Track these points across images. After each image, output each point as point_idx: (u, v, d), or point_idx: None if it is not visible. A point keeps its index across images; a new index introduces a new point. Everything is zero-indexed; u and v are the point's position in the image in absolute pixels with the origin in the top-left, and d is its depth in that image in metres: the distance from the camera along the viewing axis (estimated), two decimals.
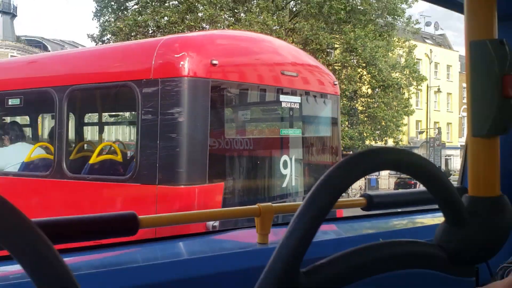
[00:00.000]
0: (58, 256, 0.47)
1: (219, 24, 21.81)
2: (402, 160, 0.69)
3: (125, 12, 24.10)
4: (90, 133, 6.63)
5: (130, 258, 1.31)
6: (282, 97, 4.92)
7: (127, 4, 24.40)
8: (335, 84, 5.61)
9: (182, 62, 3.92)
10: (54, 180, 4.35)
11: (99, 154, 4.53)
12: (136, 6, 24.04)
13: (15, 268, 1.21)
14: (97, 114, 6.33)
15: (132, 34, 23.00)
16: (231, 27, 21.62)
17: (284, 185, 4.80)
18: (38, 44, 40.84)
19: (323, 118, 5.65)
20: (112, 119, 6.67)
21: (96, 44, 24.23)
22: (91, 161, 4.38)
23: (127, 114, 5.73)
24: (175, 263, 1.21)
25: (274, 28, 20.89)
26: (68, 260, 1.25)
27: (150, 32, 23.55)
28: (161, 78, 3.94)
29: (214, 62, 4.01)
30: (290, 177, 4.84)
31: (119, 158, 4.64)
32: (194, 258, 1.27)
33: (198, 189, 3.91)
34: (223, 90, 4.33)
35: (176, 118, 3.86)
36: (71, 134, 5.38)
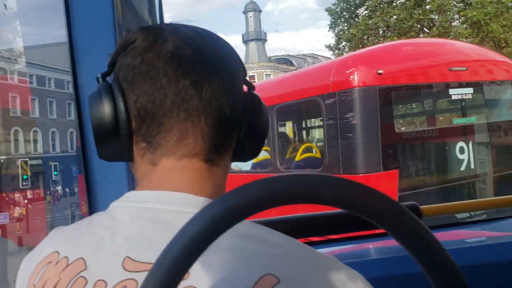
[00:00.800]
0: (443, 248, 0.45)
1: (448, 12, 21.29)
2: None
3: (356, 19, 25.46)
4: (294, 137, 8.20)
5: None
6: (451, 91, 5.54)
7: (357, 11, 25.75)
8: None
9: (352, 76, 4.93)
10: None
11: (302, 153, 5.96)
12: (365, 12, 25.17)
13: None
14: (297, 122, 7.69)
15: (364, 37, 24.19)
16: (461, 12, 20.88)
17: (463, 168, 5.40)
18: (285, 61, 46.29)
19: (501, 103, 6.05)
20: (307, 125, 7.94)
21: (333, 52, 26.26)
22: (297, 158, 5.84)
23: (317, 121, 7.05)
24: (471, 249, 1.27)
25: (511, 5, 19.32)
26: (338, 249, 1.52)
27: (380, 32, 24.39)
28: (338, 91, 5.11)
29: (379, 71, 4.93)
30: (467, 162, 5.41)
31: (317, 155, 5.97)
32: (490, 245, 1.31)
33: (374, 177, 4.83)
34: (390, 93, 5.16)
35: (351, 121, 4.95)
36: (284, 139, 7.01)
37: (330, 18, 26.39)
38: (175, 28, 0.72)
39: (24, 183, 14.48)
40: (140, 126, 0.69)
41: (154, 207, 0.66)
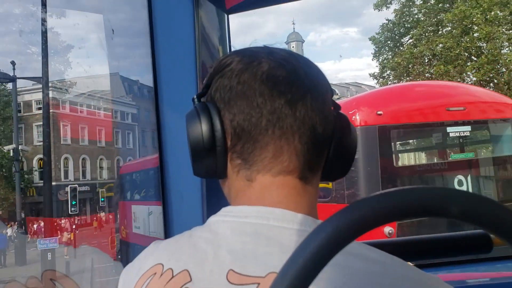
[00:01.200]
0: None
1: (497, 40, 20.84)
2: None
3: (401, 48, 25.27)
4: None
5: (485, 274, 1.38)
6: (449, 129, 6.12)
7: (402, 40, 25.59)
8: None
9: (354, 116, 5.43)
10: None
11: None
12: (410, 40, 24.99)
13: None
14: None
15: (410, 66, 23.93)
16: (511, 40, 20.39)
17: None
18: None
19: (498, 139, 6.67)
20: None
21: (377, 81, 26.08)
22: None
23: None
24: None
25: None
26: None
27: (426, 61, 24.07)
28: None
29: (379, 112, 5.46)
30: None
31: (329, 185, 6.08)
32: None
33: None
34: (389, 131, 5.65)
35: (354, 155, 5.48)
36: None
37: (374, 47, 26.30)
38: (269, 51, 0.75)
39: (72, 208, 14.87)
40: (236, 144, 0.72)
41: (255, 222, 0.68)
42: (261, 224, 0.67)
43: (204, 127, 0.72)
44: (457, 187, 5.87)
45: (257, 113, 0.69)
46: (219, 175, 0.75)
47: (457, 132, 6.21)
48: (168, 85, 1.23)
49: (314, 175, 0.73)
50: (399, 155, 6.85)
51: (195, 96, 0.77)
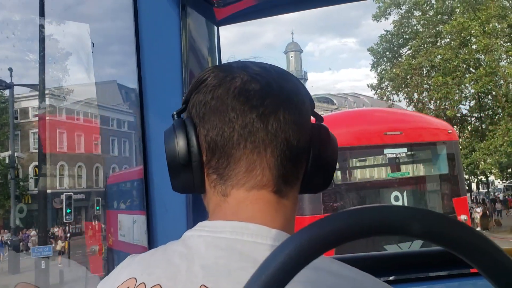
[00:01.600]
0: None
1: (495, 52, 20.88)
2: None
3: (399, 59, 25.33)
4: None
5: None
6: (386, 151, 6.93)
7: (400, 51, 25.64)
8: (450, 132, 7.57)
9: None
10: None
11: None
12: (409, 52, 25.05)
13: None
14: None
15: (408, 77, 23.96)
16: (509, 52, 20.44)
17: None
18: (326, 100, 46.50)
19: (432, 160, 7.68)
20: None
21: (375, 92, 26.07)
22: None
23: None
24: None
25: None
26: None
27: (424, 72, 24.12)
28: None
29: None
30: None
31: None
32: None
33: (315, 218, 6.16)
34: None
35: None
36: None
37: (372, 57, 26.35)
38: (244, 65, 0.76)
39: (67, 217, 14.74)
40: (211, 159, 0.72)
41: (229, 237, 0.67)
42: (235, 239, 0.67)
43: (179, 143, 0.73)
44: (393, 202, 6.88)
45: (229, 128, 0.70)
46: (196, 190, 0.76)
47: (393, 153, 7.12)
48: (153, 96, 1.23)
49: (291, 188, 0.73)
50: (340, 173, 7.62)
51: (175, 113, 0.78)
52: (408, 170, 7.66)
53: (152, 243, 1.20)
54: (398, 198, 6.81)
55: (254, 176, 0.70)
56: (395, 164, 7.29)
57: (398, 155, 7.14)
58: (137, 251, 0.81)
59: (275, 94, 0.71)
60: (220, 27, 1.39)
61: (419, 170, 8.03)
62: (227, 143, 0.70)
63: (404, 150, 7.14)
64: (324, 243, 0.45)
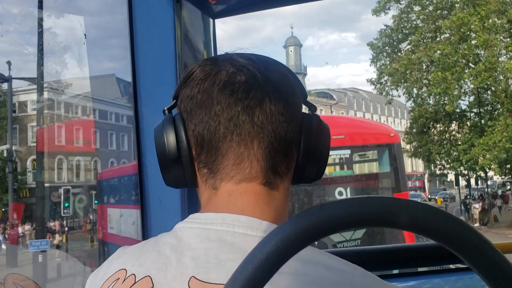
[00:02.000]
0: None
1: (495, 48, 20.84)
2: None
3: (399, 54, 25.25)
4: None
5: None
6: (332, 152, 8.05)
7: (400, 46, 25.57)
8: (392, 135, 8.70)
9: None
10: None
11: None
12: (408, 47, 24.98)
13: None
14: None
15: (407, 72, 23.91)
16: (509, 48, 20.42)
17: None
18: (325, 94, 46.36)
19: (377, 160, 8.92)
20: None
21: (375, 87, 26.02)
22: None
23: None
24: None
25: None
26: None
27: (424, 67, 24.07)
28: None
29: None
30: None
31: None
32: None
33: None
34: None
35: None
36: None
37: (371, 52, 26.27)
38: (229, 58, 0.75)
39: (65, 210, 14.74)
40: (200, 153, 0.73)
41: (219, 229, 0.67)
42: (226, 231, 0.67)
43: (168, 139, 0.73)
44: (338, 197, 7.84)
45: (215, 121, 0.70)
46: (189, 184, 0.76)
47: (338, 154, 8.28)
48: (147, 90, 1.22)
49: (282, 179, 0.73)
50: None
51: (165, 108, 0.78)
52: (351, 169, 9.01)
53: (146, 238, 1.17)
54: (342, 193, 7.91)
55: (242, 168, 0.70)
56: (339, 164, 8.83)
57: (342, 156, 8.52)
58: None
59: (261, 85, 0.71)
60: (216, 20, 1.37)
61: (363, 168, 9.40)
62: (214, 137, 0.70)
63: (348, 151, 8.43)
64: (311, 234, 0.45)
